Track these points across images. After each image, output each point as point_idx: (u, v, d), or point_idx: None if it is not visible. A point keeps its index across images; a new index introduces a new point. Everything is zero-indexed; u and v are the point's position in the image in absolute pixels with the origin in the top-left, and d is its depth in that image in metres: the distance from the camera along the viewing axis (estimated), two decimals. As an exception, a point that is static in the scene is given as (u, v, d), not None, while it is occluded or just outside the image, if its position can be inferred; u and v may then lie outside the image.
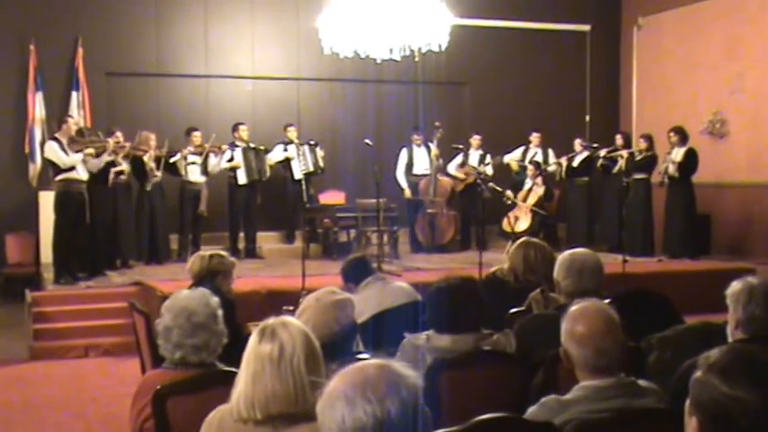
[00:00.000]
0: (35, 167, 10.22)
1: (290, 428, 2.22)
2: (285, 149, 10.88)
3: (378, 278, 4.97)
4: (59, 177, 8.54)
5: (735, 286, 2.93)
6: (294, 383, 2.22)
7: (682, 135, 10.57)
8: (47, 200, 9.00)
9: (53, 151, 8.52)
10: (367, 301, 4.51)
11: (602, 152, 11.25)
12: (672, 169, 10.46)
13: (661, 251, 10.74)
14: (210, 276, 4.53)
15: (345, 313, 3.15)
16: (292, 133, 10.95)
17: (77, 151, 8.60)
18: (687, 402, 1.51)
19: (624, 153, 10.99)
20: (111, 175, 9.21)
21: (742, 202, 11.41)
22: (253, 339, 2.30)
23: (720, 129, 11.65)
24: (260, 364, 2.24)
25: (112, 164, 9.24)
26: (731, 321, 2.93)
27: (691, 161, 10.47)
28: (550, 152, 11.59)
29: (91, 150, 8.74)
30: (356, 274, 4.90)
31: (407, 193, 11.23)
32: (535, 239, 4.99)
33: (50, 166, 8.76)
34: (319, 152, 10.95)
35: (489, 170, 11.40)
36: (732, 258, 10.65)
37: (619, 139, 11.23)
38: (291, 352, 2.24)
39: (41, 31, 10.59)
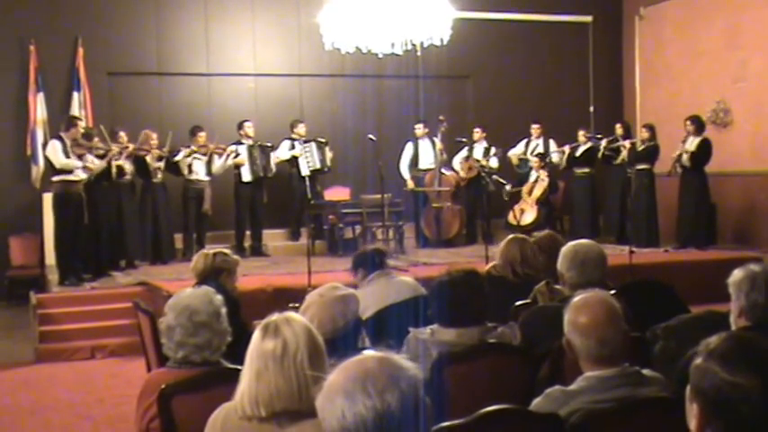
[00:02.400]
0: (38, 169, 10.21)
1: (294, 425, 2.21)
2: (292, 147, 10.88)
3: (383, 273, 4.96)
4: (56, 178, 8.54)
5: (737, 274, 2.92)
6: (298, 380, 2.21)
7: (698, 124, 10.51)
8: (50, 201, 9.00)
9: (54, 150, 8.51)
10: (371, 296, 4.51)
11: (604, 142, 11.22)
12: (685, 158, 10.41)
13: (672, 241, 10.70)
14: (215, 275, 4.53)
15: (350, 308, 3.15)
16: (301, 130, 10.95)
17: (80, 155, 8.60)
18: (688, 389, 1.51)
19: (626, 144, 10.95)
20: (114, 171, 9.18)
21: (746, 191, 11.38)
22: (256, 336, 2.29)
23: (724, 118, 11.60)
24: (263, 361, 2.24)
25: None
26: (734, 309, 2.92)
27: (703, 151, 10.43)
28: (551, 143, 11.57)
29: (92, 167, 8.73)
30: (368, 264, 4.89)
31: (410, 184, 11.23)
32: (520, 235, 5.06)
33: (49, 165, 8.75)
34: (328, 153, 10.95)
35: (494, 163, 11.39)
36: (738, 247, 10.62)
37: (618, 129, 11.21)
38: (295, 349, 2.23)
39: (41, 31, 10.59)
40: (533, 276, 4.73)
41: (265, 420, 2.23)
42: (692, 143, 10.43)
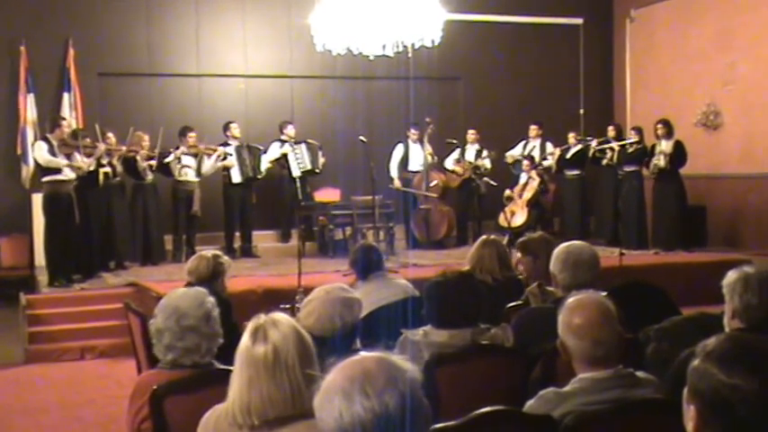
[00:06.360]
0: (28, 169, 10.18)
1: (287, 427, 2.18)
2: (281, 146, 10.86)
3: (378, 274, 4.95)
4: (46, 179, 8.52)
5: (731, 276, 2.92)
6: (291, 386, 2.17)
7: (668, 127, 10.59)
8: (40, 202, 8.96)
9: (38, 149, 8.52)
10: (366, 297, 4.49)
11: (594, 143, 11.26)
12: (663, 161, 10.47)
13: (652, 244, 10.74)
14: (213, 277, 4.52)
15: (351, 311, 3.15)
16: (290, 131, 10.93)
17: (67, 155, 8.57)
18: (685, 391, 1.51)
19: (615, 145, 10.99)
20: (101, 176, 9.17)
21: (736, 194, 11.42)
22: (245, 341, 2.23)
23: (714, 120, 11.66)
24: (254, 369, 2.18)
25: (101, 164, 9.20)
26: (728, 311, 2.92)
27: (679, 153, 10.49)
28: (549, 144, 11.58)
29: (81, 164, 8.70)
30: (365, 264, 4.88)
31: (397, 183, 11.23)
32: (493, 237, 5.05)
33: (38, 166, 8.73)
34: (321, 158, 10.94)
35: (487, 164, 11.41)
36: (728, 249, 10.66)
37: (611, 131, 11.24)
38: (285, 353, 2.18)
39: (32, 32, 10.54)
40: (513, 279, 4.75)
41: (257, 428, 2.18)
42: (667, 145, 10.49)
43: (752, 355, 1.44)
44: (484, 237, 5.05)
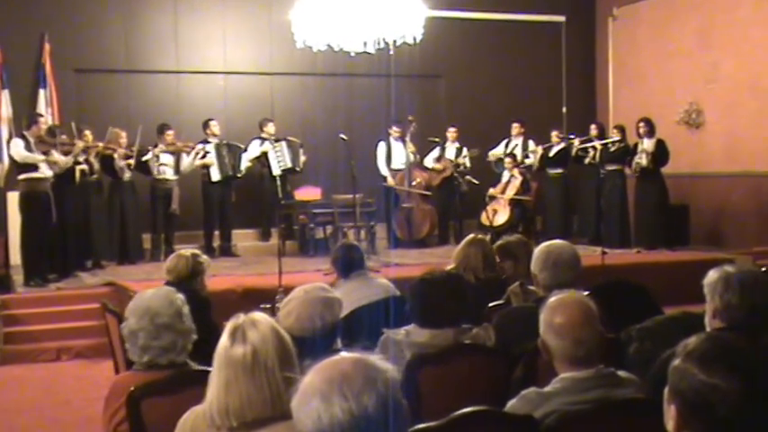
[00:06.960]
0: (2, 167, 10.05)
1: (266, 429, 2.14)
2: (261, 144, 10.79)
3: (359, 273, 4.92)
4: (23, 177, 8.44)
5: (712, 275, 2.91)
6: (270, 388, 2.13)
7: (650, 126, 10.64)
8: (15, 200, 8.86)
9: (14, 146, 8.45)
10: (347, 296, 4.46)
11: (576, 141, 11.29)
12: (645, 160, 10.51)
13: (634, 243, 10.78)
14: (192, 276, 4.49)
15: (331, 312, 3.12)
16: (270, 128, 10.86)
17: (44, 152, 8.48)
18: (666, 390, 1.50)
19: (597, 144, 11.02)
20: (78, 174, 9.08)
21: (718, 192, 11.48)
22: (223, 342, 2.20)
23: (696, 119, 11.72)
24: (232, 370, 2.15)
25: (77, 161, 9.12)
26: (708, 310, 2.91)
27: (663, 151, 10.54)
28: (531, 143, 11.57)
29: (58, 159, 8.60)
30: (346, 263, 4.85)
31: (390, 181, 11.19)
32: (480, 236, 5.04)
33: (14, 164, 8.65)
34: (301, 156, 10.88)
35: (468, 162, 11.40)
36: (710, 248, 10.71)
37: (593, 130, 11.27)
38: (265, 355, 2.15)
39: (7, 27, 10.41)
40: (496, 279, 4.75)
41: (236, 430, 2.14)
42: (649, 144, 10.54)
43: (731, 355, 1.45)
44: (471, 235, 5.02)
